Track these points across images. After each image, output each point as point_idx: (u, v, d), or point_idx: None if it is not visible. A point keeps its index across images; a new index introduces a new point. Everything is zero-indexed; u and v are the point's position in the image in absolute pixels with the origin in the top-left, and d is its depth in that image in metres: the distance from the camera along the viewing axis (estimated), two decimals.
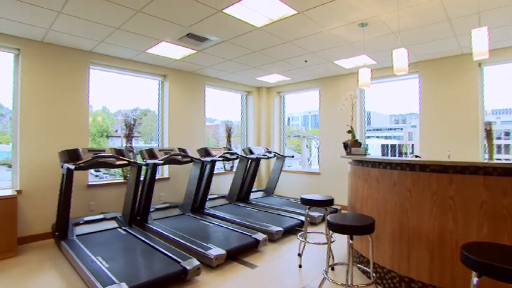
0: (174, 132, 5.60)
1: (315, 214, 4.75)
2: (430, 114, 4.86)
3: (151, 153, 4.51)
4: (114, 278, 2.57)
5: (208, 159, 4.91)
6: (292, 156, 6.52)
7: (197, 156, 5.18)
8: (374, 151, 7.36)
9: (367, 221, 2.29)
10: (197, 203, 5.11)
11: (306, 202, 3.37)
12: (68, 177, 3.42)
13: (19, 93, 3.90)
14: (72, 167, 3.32)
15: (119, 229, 4.03)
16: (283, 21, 3.40)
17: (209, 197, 5.63)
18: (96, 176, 5.27)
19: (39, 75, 4.04)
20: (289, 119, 9.53)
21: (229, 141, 6.59)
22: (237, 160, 5.92)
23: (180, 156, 4.74)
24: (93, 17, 3.30)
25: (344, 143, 3.68)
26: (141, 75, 5.35)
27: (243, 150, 6.05)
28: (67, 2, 2.95)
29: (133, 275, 2.71)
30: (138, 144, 5.82)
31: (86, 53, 4.44)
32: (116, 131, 5.58)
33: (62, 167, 3.48)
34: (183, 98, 5.75)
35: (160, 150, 4.64)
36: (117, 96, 5.47)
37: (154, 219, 4.52)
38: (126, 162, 4.01)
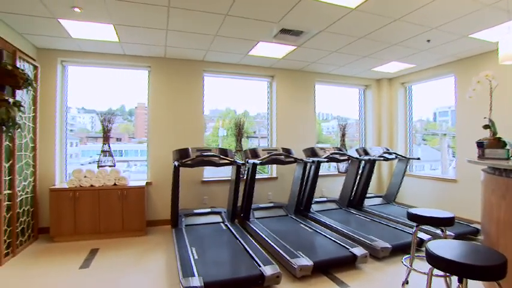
0: (282, 131, 5.58)
1: (441, 232, 3.70)
2: None
3: (254, 153, 4.62)
4: (195, 271, 2.72)
5: (310, 159, 4.62)
6: (418, 159, 5.36)
7: (303, 156, 5.00)
8: None
9: (493, 260, 1.54)
10: (301, 205, 4.92)
11: (413, 218, 2.67)
12: (176, 173, 3.90)
13: (150, 102, 4.77)
14: (177, 164, 3.77)
15: (221, 224, 4.31)
16: None
17: (318, 199, 5.35)
18: None
19: (163, 85, 4.82)
20: (435, 114, 7.97)
21: (343, 140, 6.05)
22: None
23: (282, 156, 4.67)
24: (192, 29, 3.63)
25: (478, 143, 2.71)
26: (251, 78, 5.58)
27: (357, 150, 5.42)
28: (168, 20, 3.36)
29: (213, 271, 2.79)
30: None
31: (198, 62, 4.98)
32: (254, 132, 6.01)
33: (173, 164, 4.01)
34: (291, 97, 5.65)
35: (263, 150, 4.69)
36: (257, 100, 5.89)
37: (256, 218, 4.60)
38: (228, 161, 4.24)
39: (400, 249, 3.50)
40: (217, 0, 2.95)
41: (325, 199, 5.43)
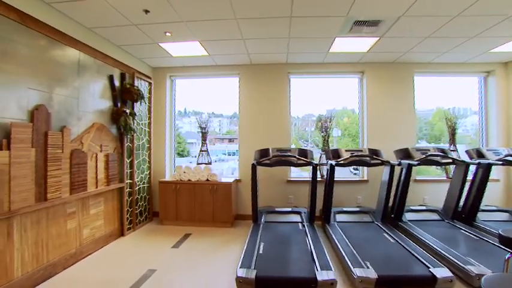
0: (373, 130, 5.14)
1: None
2: None
3: (336, 154, 4.45)
4: (253, 264, 2.91)
5: (397, 162, 4.11)
6: None
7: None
8: None
9: None
10: (390, 212, 4.43)
11: (506, 241, 2.10)
12: (253, 171, 4.17)
13: (241, 106, 5.23)
14: (254, 163, 4.05)
15: (299, 224, 4.34)
16: None
17: (415, 207, 4.72)
18: (355, 174, 5.76)
19: (252, 90, 5.21)
20: None
21: (452, 139, 5.08)
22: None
23: (367, 158, 4.34)
24: (264, 35, 3.83)
25: None
26: (339, 76, 5.38)
27: (468, 152, 4.49)
28: (240, 30, 3.65)
29: (270, 267, 2.91)
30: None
31: (282, 65, 5.13)
32: None
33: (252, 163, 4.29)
34: (385, 92, 5.12)
35: (347, 151, 4.47)
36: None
37: (337, 221, 4.41)
38: (304, 161, 4.24)
39: None
40: (277, 5, 3.05)
41: (424, 208, 4.70)
